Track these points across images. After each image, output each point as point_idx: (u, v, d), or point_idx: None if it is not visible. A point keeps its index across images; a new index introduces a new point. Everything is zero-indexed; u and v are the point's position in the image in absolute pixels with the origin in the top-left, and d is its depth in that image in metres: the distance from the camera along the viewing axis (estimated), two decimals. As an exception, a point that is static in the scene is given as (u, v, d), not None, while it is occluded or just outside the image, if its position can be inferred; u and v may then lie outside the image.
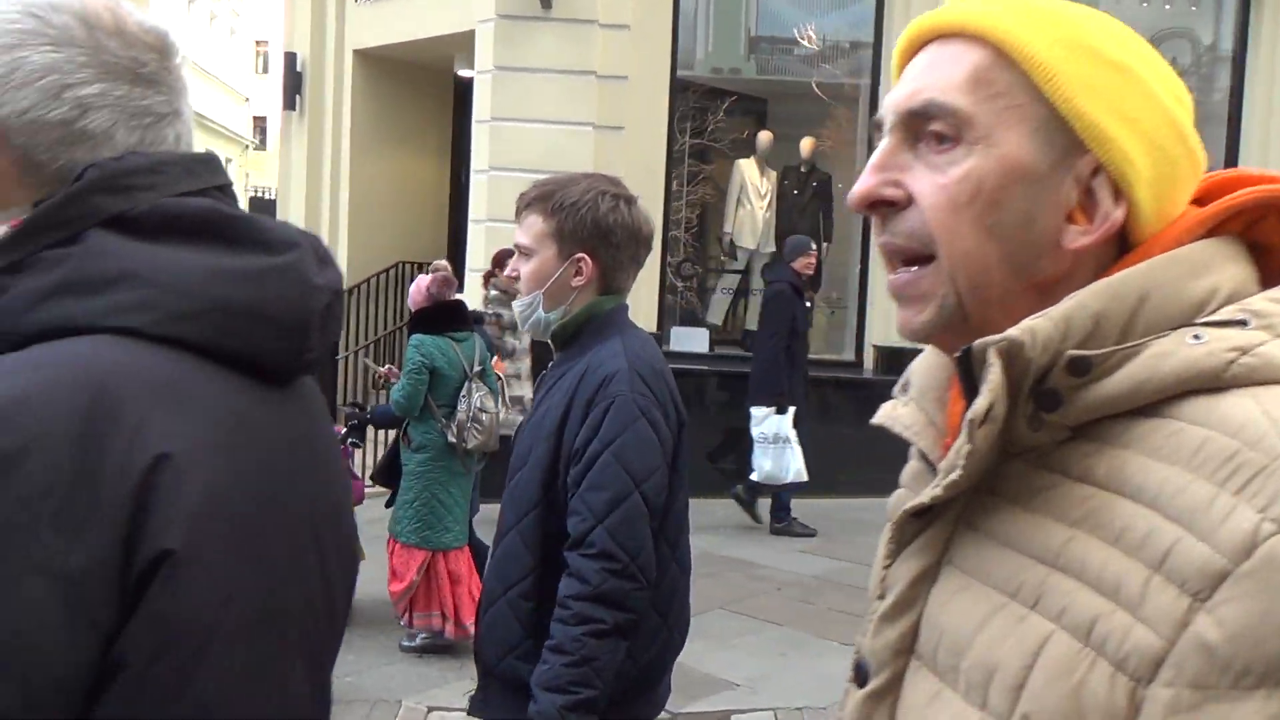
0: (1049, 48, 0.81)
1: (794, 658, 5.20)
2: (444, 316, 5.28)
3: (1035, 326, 0.76)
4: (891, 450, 1.02)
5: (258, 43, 41.70)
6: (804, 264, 7.23)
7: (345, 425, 5.78)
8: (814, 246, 7.49)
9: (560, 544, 1.99)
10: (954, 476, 0.79)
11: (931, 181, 0.82)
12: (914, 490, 0.89)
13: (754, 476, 7.21)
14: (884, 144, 0.86)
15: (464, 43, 9.73)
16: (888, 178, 0.85)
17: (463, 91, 10.54)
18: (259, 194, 28.05)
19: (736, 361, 8.69)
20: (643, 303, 8.83)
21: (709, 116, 9.63)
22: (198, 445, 0.89)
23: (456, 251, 11.12)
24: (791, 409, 7.11)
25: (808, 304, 7.63)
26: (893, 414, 0.95)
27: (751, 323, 9.74)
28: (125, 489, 0.83)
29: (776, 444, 7.08)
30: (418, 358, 5.12)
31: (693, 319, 9.72)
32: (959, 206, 0.81)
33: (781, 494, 7.37)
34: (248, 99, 38.90)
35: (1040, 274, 0.82)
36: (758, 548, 7.07)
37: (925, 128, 0.83)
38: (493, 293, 6.79)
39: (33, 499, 0.80)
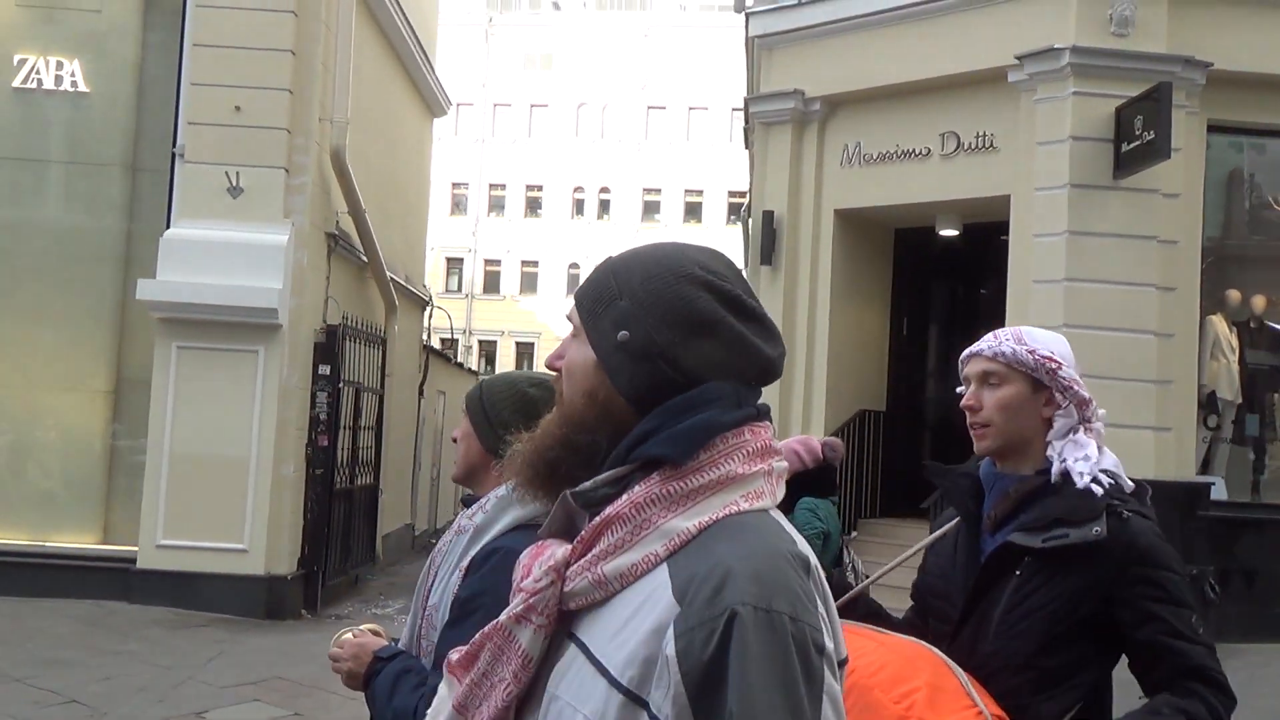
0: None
1: None
2: (827, 479, 4.99)
3: None
4: None
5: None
6: None
7: None
8: None
9: None
10: None
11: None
12: None
13: None
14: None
15: (948, 207, 10.37)
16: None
17: (931, 249, 11.12)
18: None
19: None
20: (1183, 450, 9.32)
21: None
22: None
23: (894, 401, 11.56)
24: None
25: None
26: None
27: (1219, 470, 10.24)
28: None
29: None
30: (815, 521, 5.10)
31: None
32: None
33: None
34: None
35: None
36: None
37: None
38: None
39: None
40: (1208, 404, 10.41)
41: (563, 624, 1.24)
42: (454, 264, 46.88)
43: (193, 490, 10.13)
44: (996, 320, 10.07)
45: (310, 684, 7.39)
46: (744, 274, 1.29)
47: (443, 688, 1.34)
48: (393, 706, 2.10)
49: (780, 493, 1.26)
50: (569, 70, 46.68)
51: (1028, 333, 2.27)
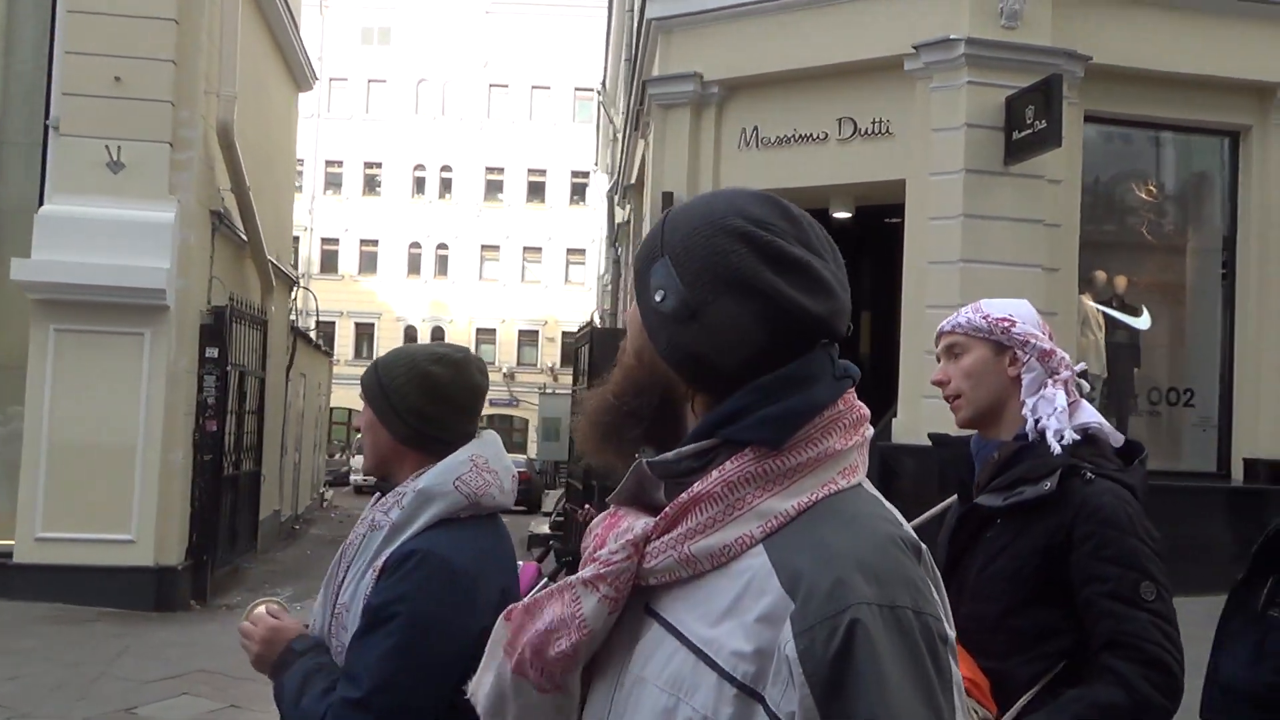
0: None
1: None
2: None
3: None
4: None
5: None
6: None
7: None
8: None
9: None
10: None
11: None
12: None
13: None
14: None
15: (843, 190, 10.68)
16: None
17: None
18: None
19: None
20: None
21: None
22: None
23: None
24: None
25: None
26: None
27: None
28: None
29: None
30: None
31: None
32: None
33: None
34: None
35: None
36: None
37: None
38: None
39: None
40: (1080, 378, 11.06)
41: (636, 598, 1.15)
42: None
43: (75, 480, 9.66)
44: (887, 300, 10.48)
45: (237, 675, 7.17)
46: (808, 222, 1.19)
47: (496, 630, 1.24)
48: (300, 709, 1.97)
49: (867, 461, 1.20)
50: (408, 46, 45.75)
51: (986, 302, 2.36)
